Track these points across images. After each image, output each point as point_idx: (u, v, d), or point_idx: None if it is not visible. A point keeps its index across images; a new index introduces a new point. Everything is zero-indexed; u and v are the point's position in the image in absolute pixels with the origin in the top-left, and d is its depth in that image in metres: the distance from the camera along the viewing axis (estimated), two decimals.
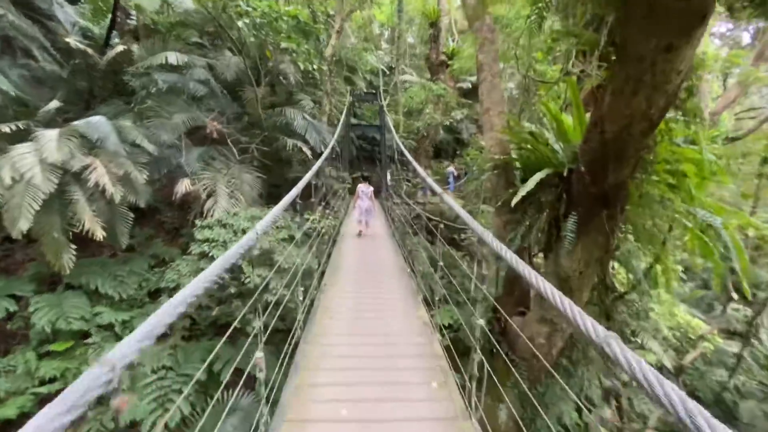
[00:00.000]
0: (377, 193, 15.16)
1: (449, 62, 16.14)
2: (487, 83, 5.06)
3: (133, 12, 13.05)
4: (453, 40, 18.79)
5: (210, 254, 6.12)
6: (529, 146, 4.47)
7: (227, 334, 2.40)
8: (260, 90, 10.40)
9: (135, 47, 10.04)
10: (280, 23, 7.65)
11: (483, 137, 5.18)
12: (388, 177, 15.16)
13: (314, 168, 4.87)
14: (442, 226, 4.40)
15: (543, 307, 4.82)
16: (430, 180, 4.99)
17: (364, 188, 9.32)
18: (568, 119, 3.98)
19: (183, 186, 6.94)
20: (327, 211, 9.75)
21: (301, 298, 4.01)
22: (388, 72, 19.84)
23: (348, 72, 16.40)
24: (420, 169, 5.66)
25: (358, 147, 19.36)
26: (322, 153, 9.30)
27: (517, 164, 5.13)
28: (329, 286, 5.90)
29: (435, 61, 16.22)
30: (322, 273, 6.23)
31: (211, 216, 6.78)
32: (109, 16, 11.21)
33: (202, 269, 1.60)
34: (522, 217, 4.69)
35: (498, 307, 4.11)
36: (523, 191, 3.70)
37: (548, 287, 1.51)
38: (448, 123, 14.34)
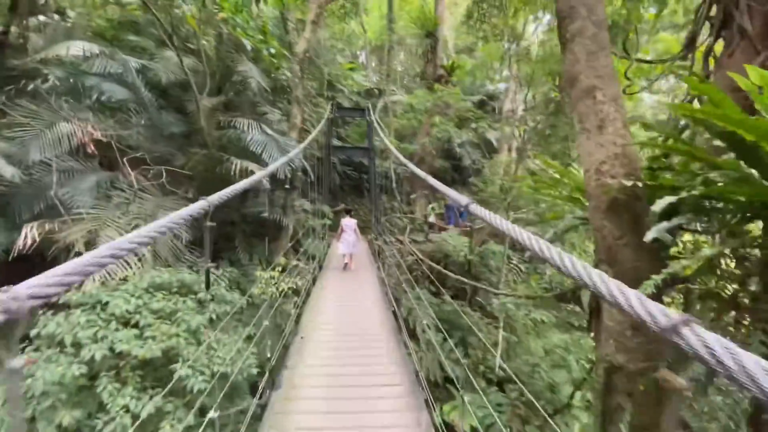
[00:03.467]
0: (366, 230, 12.65)
1: (448, 78, 13.98)
2: (586, 40, 2.53)
3: (71, 11, 10.67)
4: (448, 59, 16.89)
5: (46, 368, 3.20)
6: (695, 160, 1.84)
7: None
8: (212, 99, 7.80)
9: (34, 37, 7.48)
10: None
11: (580, 143, 2.55)
12: (382, 209, 12.61)
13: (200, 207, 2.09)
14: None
15: None
16: (452, 191, 2.46)
17: (347, 222, 8.97)
18: None
19: (27, 236, 4.05)
20: (295, 261, 6.98)
21: None
22: (378, 92, 17.65)
23: (329, 90, 14.10)
24: (435, 182, 3.00)
25: (342, 174, 16.66)
26: (286, 179, 6.60)
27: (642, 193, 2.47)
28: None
29: (432, 75, 14.05)
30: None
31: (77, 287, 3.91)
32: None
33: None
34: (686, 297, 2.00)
35: None
36: None
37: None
38: (468, 137, 11.79)
